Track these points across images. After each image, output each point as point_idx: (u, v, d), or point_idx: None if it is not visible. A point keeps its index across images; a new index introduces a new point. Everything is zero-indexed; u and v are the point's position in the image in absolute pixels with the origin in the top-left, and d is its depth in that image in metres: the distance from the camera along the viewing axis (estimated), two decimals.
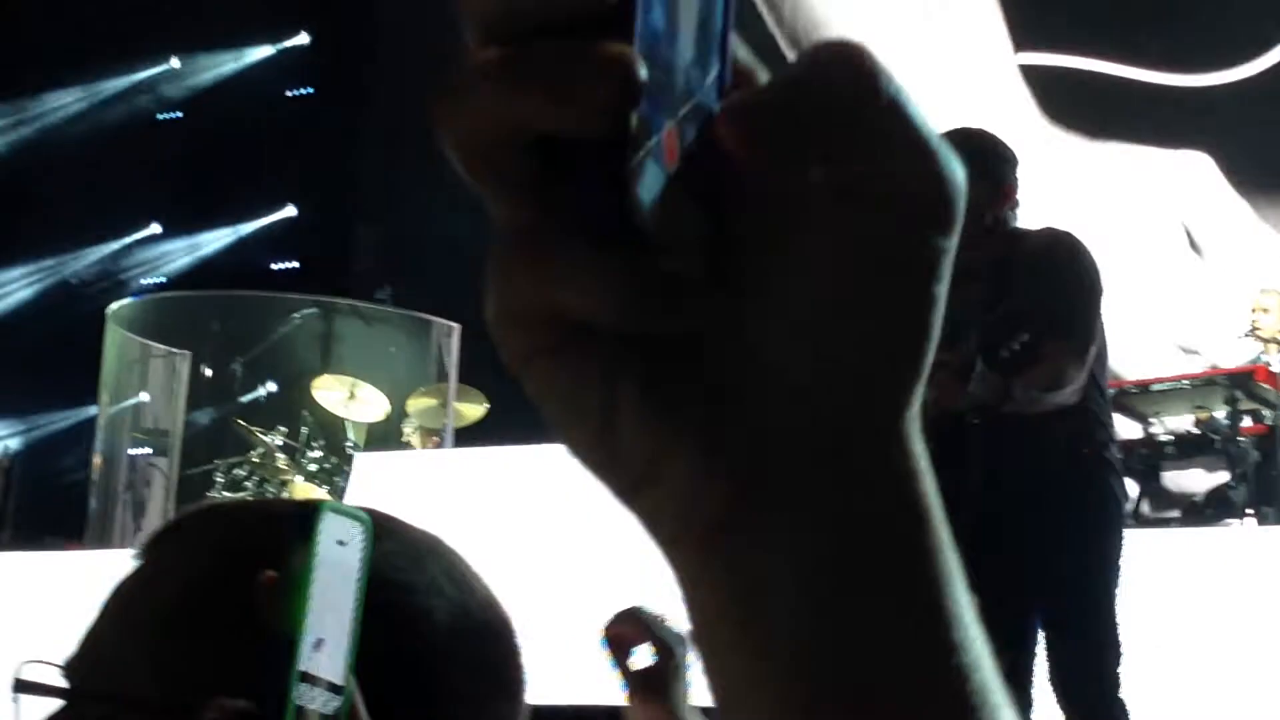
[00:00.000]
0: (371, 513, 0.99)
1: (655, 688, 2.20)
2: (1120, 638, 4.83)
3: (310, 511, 0.93)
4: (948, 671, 0.48)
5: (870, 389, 0.48)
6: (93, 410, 14.59)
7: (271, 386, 12.64)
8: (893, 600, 0.48)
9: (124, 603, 1.08)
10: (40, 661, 1.03)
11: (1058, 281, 4.82)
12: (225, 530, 1.10)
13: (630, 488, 0.49)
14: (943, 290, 0.49)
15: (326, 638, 0.91)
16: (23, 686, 1.02)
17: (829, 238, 0.48)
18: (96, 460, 13.35)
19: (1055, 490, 4.78)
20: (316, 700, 0.90)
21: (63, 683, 1.04)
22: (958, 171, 0.49)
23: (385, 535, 1.03)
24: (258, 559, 0.96)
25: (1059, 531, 4.75)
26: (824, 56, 0.48)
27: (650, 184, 0.45)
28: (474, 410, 11.92)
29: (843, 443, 0.48)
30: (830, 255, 0.48)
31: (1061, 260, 4.90)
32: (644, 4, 0.45)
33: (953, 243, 0.49)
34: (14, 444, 17.13)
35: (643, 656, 2.21)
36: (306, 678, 0.90)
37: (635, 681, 2.21)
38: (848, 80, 0.48)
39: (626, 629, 2.23)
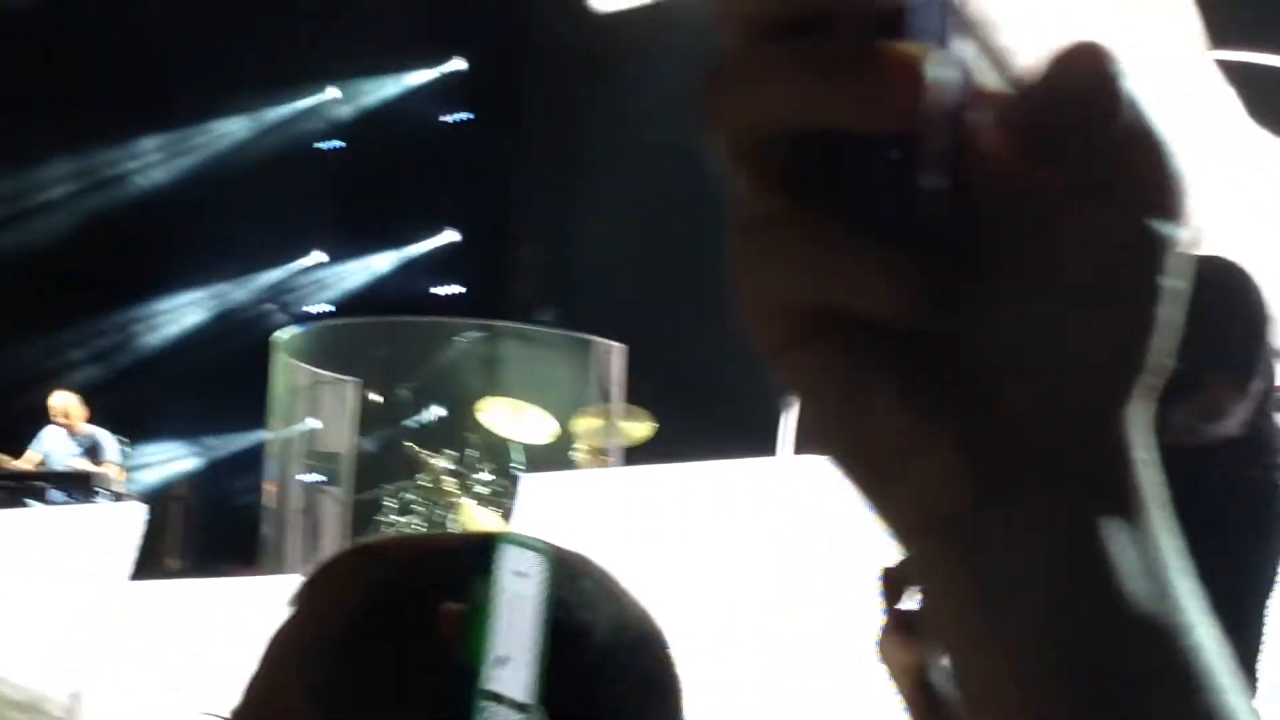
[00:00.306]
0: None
1: (914, 630, 2.32)
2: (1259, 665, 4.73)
3: (490, 544, 0.94)
4: (1184, 654, 0.49)
5: (1104, 376, 0.50)
6: (258, 436, 14.83)
7: (439, 410, 12.74)
8: (1140, 586, 0.49)
9: (283, 647, 1.09)
10: (213, 714, 1.06)
11: (1222, 312, 4.74)
12: (386, 567, 1.11)
13: (878, 478, 0.50)
14: (1170, 283, 0.50)
15: (512, 657, 0.92)
16: None
17: (1072, 230, 0.49)
18: (270, 486, 13.56)
19: (1214, 517, 4.69)
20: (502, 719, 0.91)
21: None
22: (1182, 165, 0.50)
23: None
24: (427, 593, 0.98)
25: (1216, 557, 4.65)
26: (1072, 59, 0.49)
27: (928, 180, 0.47)
28: (641, 430, 11.93)
29: (1087, 430, 0.49)
30: (1073, 246, 0.49)
31: (1227, 290, 4.82)
32: (919, 6, 0.46)
33: (1180, 234, 0.50)
34: (185, 467, 17.40)
35: (911, 600, 2.32)
36: (491, 696, 0.91)
37: (896, 619, 2.33)
38: (1095, 83, 0.49)
39: (906, 570, 2.36)
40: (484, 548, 0.94)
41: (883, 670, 2.47)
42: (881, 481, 0.50)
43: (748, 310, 0.48)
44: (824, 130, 0.46)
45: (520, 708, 0.91)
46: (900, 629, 2.40)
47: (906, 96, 0.45)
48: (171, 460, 17.66)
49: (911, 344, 0.48)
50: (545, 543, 0.98)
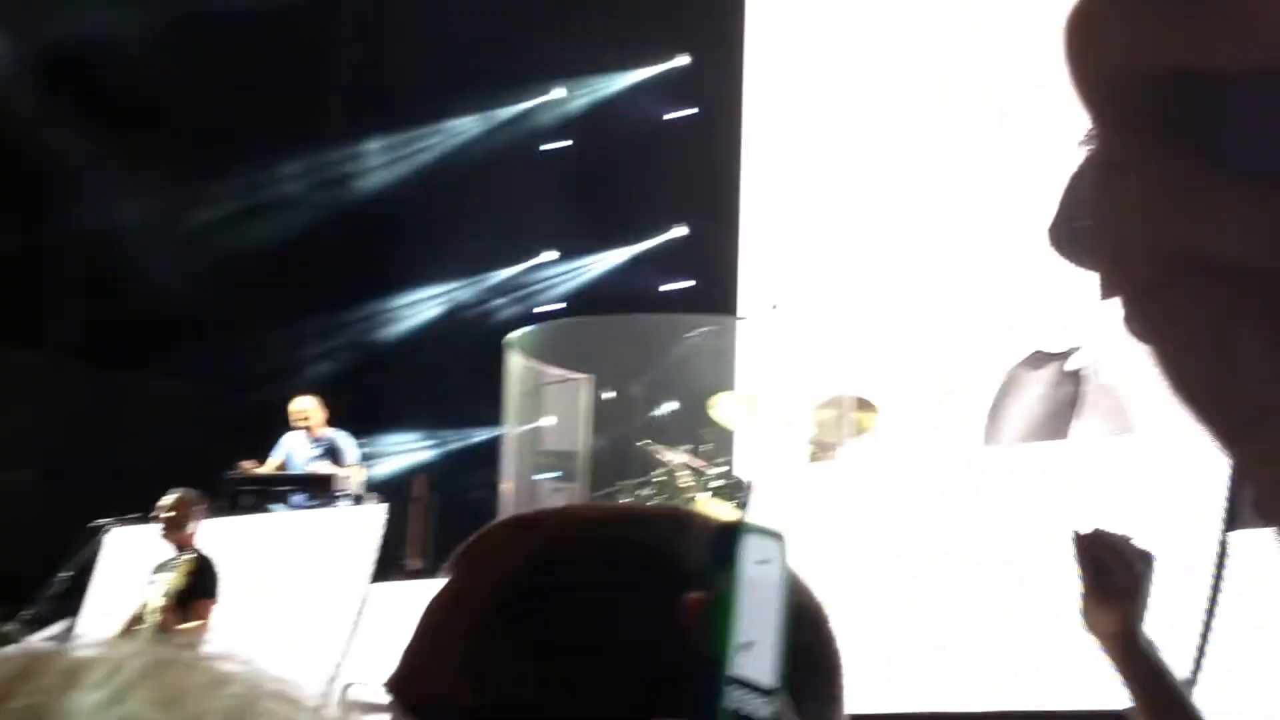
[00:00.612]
0: (672, 509, 1.03)
1: (1114, 595, 2.51)
2: None
3: (732, 532, 0.93)
4: None
5: None
6: (491, 434, 15.00)
7: (672, 406, 12.77)
8: None
9: (438, 618, 1.10)
10: (363, 682, 1.06)
11: None
12: (539, 538, 1.12)
13: (1238, 428, 0.47)
14: None
15: (756, 641, 0.92)
16: (350, 706, 1.04)
17: None
18: (507, 485, 13.70)
19: None
20: (749, 705, 0.90)
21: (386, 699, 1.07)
22: None
23: (686, 528, 1.07)
24: (580, 564, 1.03)
25: None
26: None
27: None
28: (869, 420, 11.87)
29: None
30: None
31: None
32: None
33: None
34: (420, 459, 17.63)
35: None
36: (737, 682, 0.90)
37: (1096, 582, 2.51)
38: None
39: (1100, 539, 2.57)
40: (724, 537, 0.93)
41: (1089, 638, 2.56)
42: (1241, 431, 0.47)
43: (1110, 251, 0.47)
44: (1194, 69, 0.44)
45: (765, 692, 0.91)
46: (1100, 593, 2.51)
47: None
48: (407, 452, 17.93)
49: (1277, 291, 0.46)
50: (779, 529, 0.97)
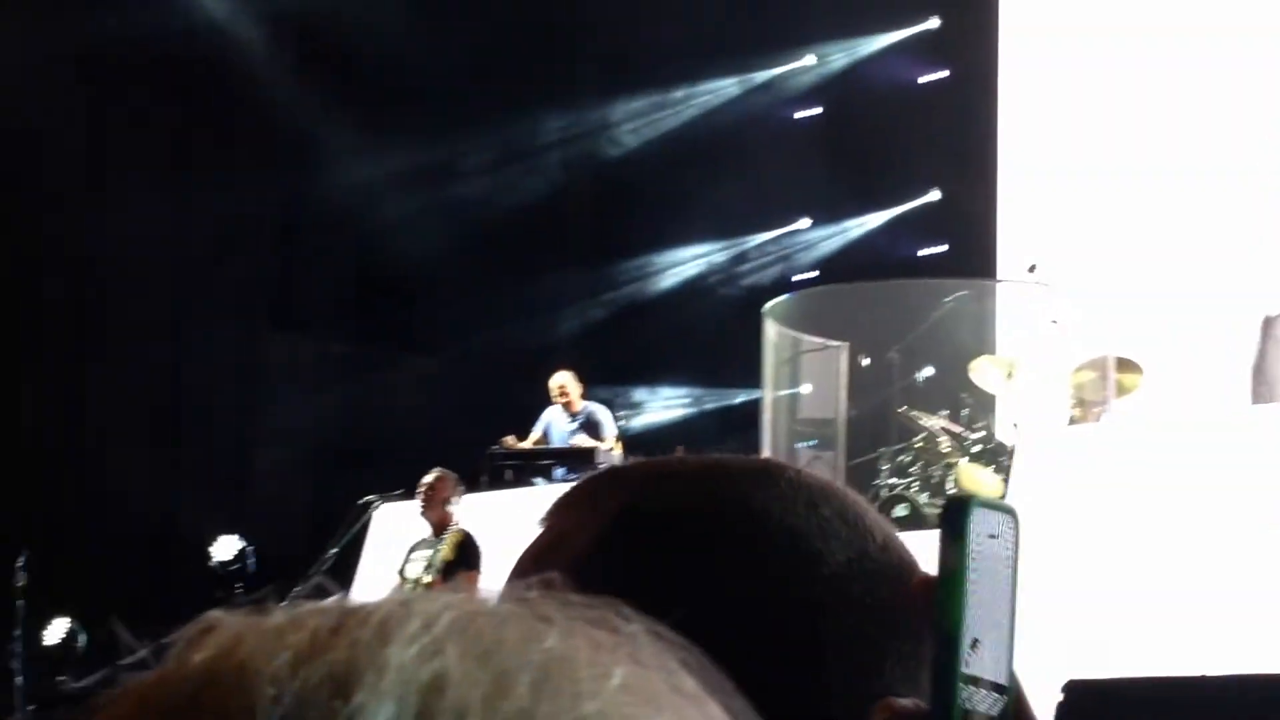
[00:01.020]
0: (767, 461, 1.02)
1: None
2: None
3: (960, 506, 0.89)
4: None
5: None
6: (741, 397, 15.01)
7: (930, 371, 12.64)
8: None
9: (529, 566, 1.09)
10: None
11: None
12: (630, 489, 1.11)
13: None
14: None
15: (986, 635, 0.87)
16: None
17: None
18: (764, 453, 13.69)
19: None
20: (982, 702, 0.86)
21: None
22: None
23: (773, 481, 1.06)
24: (662, 515, 1.05)
25: None
26: None
27: None
28: (1133, 381, 11.64)
29: None
30: None
31: None
32: None
33: None
34: (674, 416, 17.69)
35: None
36: (970, 680, 0.86)
37: None
38: None
39: None
40: (953, 510, 0.89)
41: None
42: None
43: None
44: None
45: (999, 689, 0.87)
46: None
47: None
48: (663, 409, 18.02)
49: None
50: (1009, 504, 0.92)
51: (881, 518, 1.10)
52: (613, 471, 1.21)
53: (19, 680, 11.59)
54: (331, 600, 0.62)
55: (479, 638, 0.58)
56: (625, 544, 1.06)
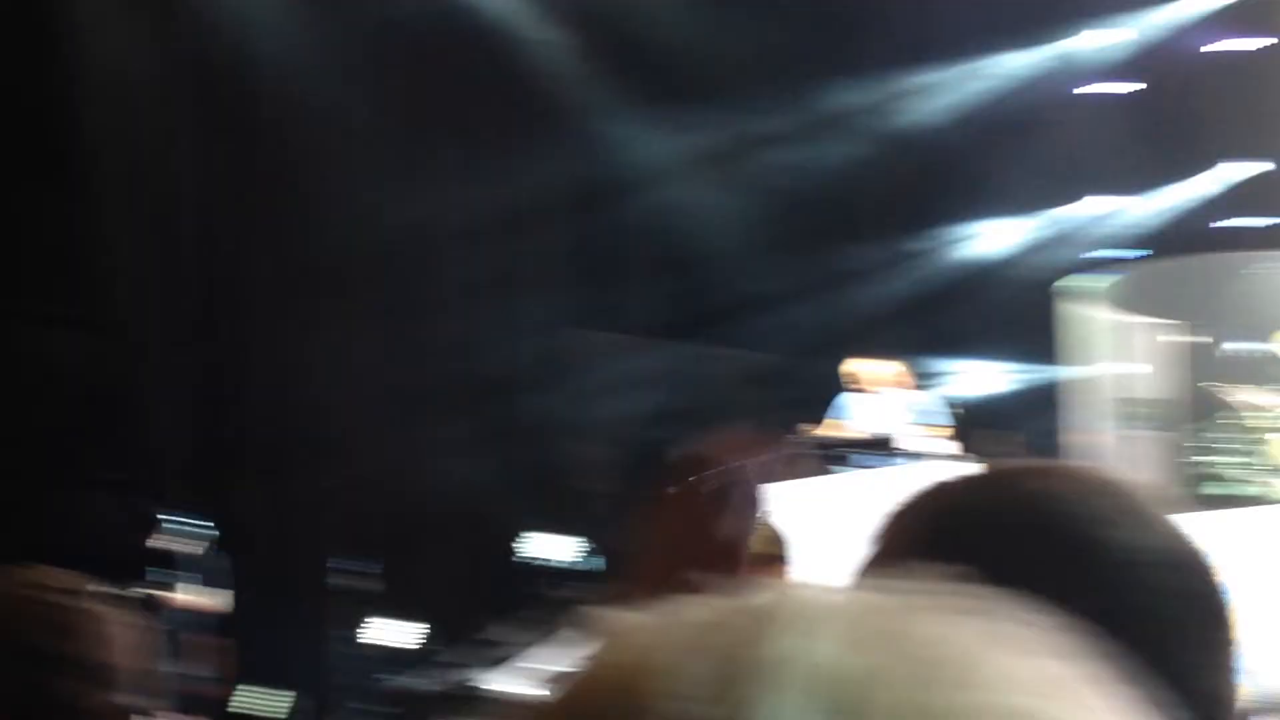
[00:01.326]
0: (1073, 468, 1.08)
1: None
2: None
3: None
4: None
5: None
6: (1044, 375, 14.83)
7: (1239, 345, 12.33)
8: None
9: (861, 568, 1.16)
10: None
11: None
12: (945, 495, 1.18)
13: None
14: None
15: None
16: None
17: None
18: (1081, 433, 13.44)
19: None
20: None
21: None
22: None
23: (1053, 475, 1.11)
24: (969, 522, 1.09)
25: None
26: None
27: None
28: None
29: None
30: None
31: None
32: None
33: None
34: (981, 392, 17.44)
35: None
36: None
37: None
38: None
39: None
40: None
41: None
42: None
43: None
44: None
45: None
46: None
47: None
48: (970, 380, 17.77)
49: None
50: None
51: (1163, 511, 1.15)
52: (929, 486, 1.24)
53: (341, 679, 11.84)
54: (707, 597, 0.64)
55: (887, 629, 0.59)
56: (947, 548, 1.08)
